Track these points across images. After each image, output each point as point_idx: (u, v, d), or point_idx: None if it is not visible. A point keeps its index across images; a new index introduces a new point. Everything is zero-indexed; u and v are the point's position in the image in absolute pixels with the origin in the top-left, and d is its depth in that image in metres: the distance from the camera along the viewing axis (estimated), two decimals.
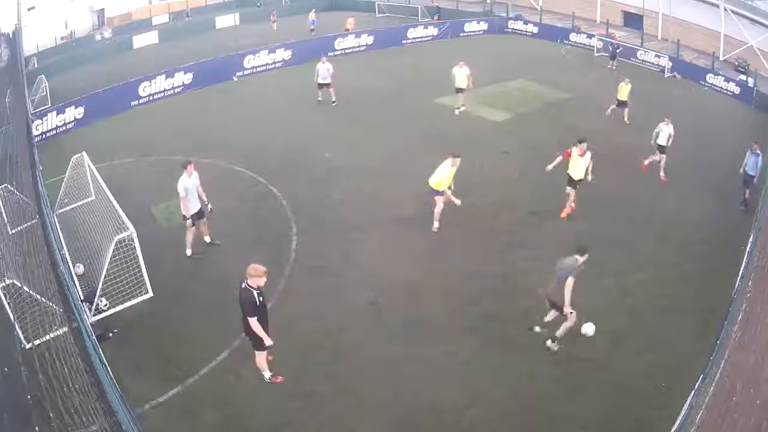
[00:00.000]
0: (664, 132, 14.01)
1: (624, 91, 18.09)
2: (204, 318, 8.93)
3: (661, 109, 18.36)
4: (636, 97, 20.78)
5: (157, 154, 15.06)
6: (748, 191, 12.95)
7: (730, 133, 15.66)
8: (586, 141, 11.60)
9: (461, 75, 18.09)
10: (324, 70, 18.74)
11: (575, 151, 11.59)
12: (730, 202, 13.18)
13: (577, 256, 7.93)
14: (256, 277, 6.89)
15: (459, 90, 18.33)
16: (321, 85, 18.98)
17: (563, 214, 12.12)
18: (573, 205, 12.13)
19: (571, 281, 7.60)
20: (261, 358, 7.52)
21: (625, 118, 18.11)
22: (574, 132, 17.15)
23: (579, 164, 11.62)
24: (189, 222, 10.29)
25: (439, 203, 11.22)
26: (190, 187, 10.07)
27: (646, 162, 14.29)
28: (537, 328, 8.66)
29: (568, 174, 11.87)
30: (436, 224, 11.43)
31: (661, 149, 14.10)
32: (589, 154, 11.56)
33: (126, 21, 37.69)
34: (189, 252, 10.62)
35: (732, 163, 14.74)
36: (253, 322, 6.97)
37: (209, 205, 10.48)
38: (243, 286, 6.96)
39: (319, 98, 19.22)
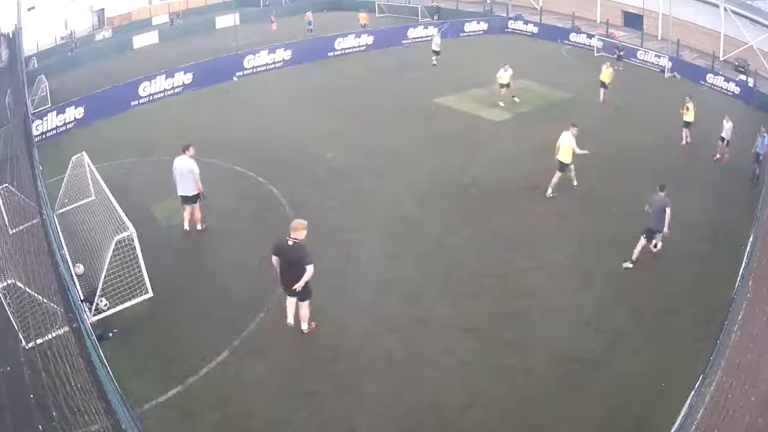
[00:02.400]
0: (726, 127, 15.24)
1: (606, 74, 19.96)
2: (204, 318, 8.93)
3: (661, 109, 18.40)
4: (636, 97, 20.83)
5: (157, 154, 15.05)
6: (758, 168, 14.33)
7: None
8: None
9: (506, 76, 19.66)
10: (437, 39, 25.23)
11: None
12: (731, 202, 13.19)
13: (662, 194, 10.38)
14: (302, 230, 7.74)
15: (503, 86, 19.91)
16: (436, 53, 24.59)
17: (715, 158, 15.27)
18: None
19: (669, 210, 10.15)
20: (308, 307, 8.31)
21: (601, 98, 20.08)
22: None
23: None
24: (202, 194, 10.96)
25: (558, 175, 12.95)
26: None
27: (717, 155, 15.62)
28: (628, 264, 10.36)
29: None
30: (550, 191, 13.00)
31: (724, 141, 15.42)
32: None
33: (126, 21, 37.73)
34: (202, 226, 11.33)
35: (732, 162, 14.77)
36: (311, 269, 7.66)
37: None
38: (290, 243, 7.73)
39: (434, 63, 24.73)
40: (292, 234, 7.74)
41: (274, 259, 7.95)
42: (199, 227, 11.31)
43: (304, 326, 8.45)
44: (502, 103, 19.93)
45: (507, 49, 28.26)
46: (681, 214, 12.55)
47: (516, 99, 20.28)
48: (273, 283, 9.64)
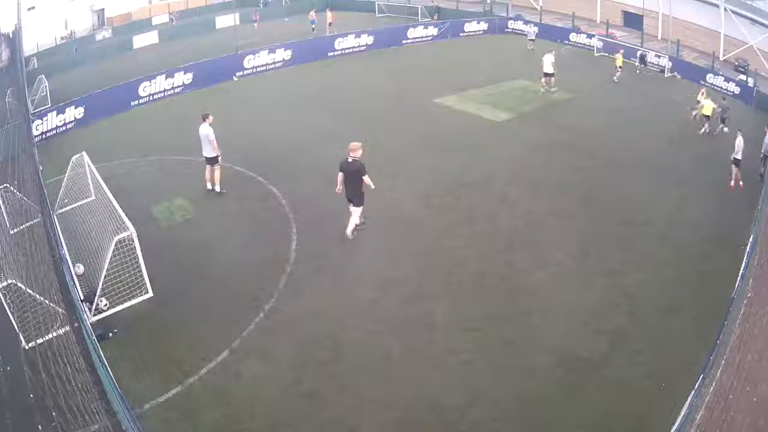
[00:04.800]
0: (737, 145, 13.80)
1: (619, 60, 23.37)
2: (204, 318, 8.93)
3: (661, 109, 18.42)
4: (636, 97, 20.82)
5: (157, 154, 15.06)
6: (764, 168, 14.19)
7: (730, 132, 15.71)
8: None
9: (548, 62, 20.74)
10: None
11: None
12: (731, 202, 13.18)
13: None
14: (358, 150, 10.13)
15: (547, 75, 21.00)
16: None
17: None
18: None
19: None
20: (358, 215, 10.58)
21: (615, 78, 23.11)
22: (575, 132, 17.25)
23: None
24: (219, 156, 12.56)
25: (706, 124, 16.92)
26: None
27: (732, 183, 13.84)
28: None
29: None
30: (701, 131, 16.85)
31: (735, 162, 13.82)
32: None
33: (126, 21, 37.74)
34: (220, 189, 12.79)
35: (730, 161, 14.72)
36: (367, 178, 10.12)
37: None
38: (349, 160, 10.11)
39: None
40: (351, 154, 10.09)
41: (340, 175, 10.30)
42: (217, 189, 12.72)
43: (351, 227, 10.58)
44: (554, 88, 20.93)
45: (507, 49, 28.30)
46: (682, 214, 12.60)
47: (542, 90, 21.12)
48: (273, 283, 9.70)
